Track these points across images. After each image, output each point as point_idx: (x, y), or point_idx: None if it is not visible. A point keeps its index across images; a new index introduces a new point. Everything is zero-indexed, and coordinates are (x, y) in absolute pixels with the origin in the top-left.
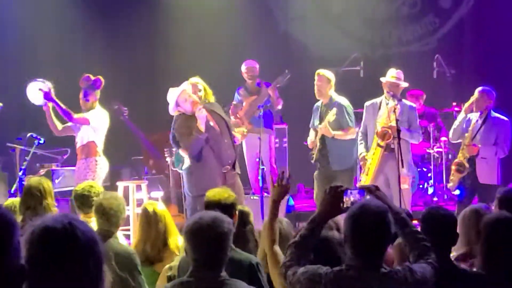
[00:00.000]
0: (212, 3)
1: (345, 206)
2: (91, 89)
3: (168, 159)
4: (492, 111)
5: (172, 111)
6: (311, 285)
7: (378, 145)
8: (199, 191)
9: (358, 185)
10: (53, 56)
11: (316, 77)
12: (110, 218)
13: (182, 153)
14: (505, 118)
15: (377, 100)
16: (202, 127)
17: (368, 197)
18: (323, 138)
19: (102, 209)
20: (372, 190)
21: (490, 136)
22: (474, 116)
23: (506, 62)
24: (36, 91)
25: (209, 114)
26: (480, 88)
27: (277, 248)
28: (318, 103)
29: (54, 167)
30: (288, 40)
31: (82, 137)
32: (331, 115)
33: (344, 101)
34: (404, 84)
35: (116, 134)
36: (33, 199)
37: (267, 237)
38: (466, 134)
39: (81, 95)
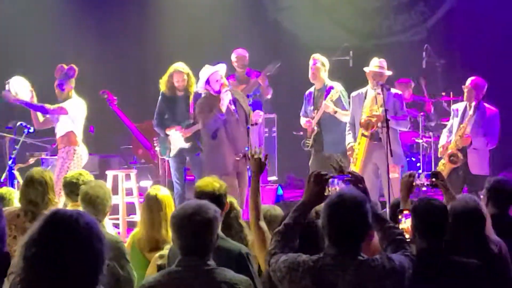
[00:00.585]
0: None
1: (330, 194)
2: (65, 78)
3: (157, 148)
4: (483, 103)
5: (201, 88)
6: (290, 273)
7: (363, 135)
8: (211, 173)
9: (348, 171)
10: (42, 47)
11: (311, 61)
12: (96, 206)
13: (170, 132)
14: (494, 109)
15: (363, 90)
16: (223, 108)
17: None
18: (319, 123)
19: (88, 198)
20: (356, 181)
21: (481, 127)
22: (461, 107)
23: (494, 52)
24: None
25: (232, 100)
26: (472, 78)
27: (262, 224)
28: (311, 89)
29: (43, 156)
30: (278, 30)
31: (60, 127)
32: (335, 93)
33: (338, 85)
34: (388, 73)
35: (105, 123)
36: (35, 193)
37: (251, 212)
38: (461, 125)
39: (55, 85)
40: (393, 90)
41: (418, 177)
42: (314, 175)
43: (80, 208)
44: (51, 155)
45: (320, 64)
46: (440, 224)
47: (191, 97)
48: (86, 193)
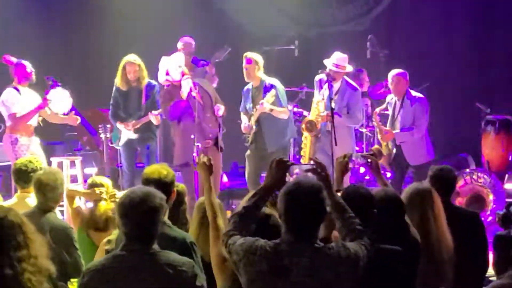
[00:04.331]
0: None
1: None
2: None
3: (102, 135)
4: (410, 91)
5: (161, 78)
6: (246, 256)
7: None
8: (178, 161)
9: (311, 158)
10: None
11: (244, 60)
12: (47, 193)
13: (120, 126)
14: (421, 95)
15: (323, 76)
16: (184, 94)
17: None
18: (257, 121)
19: (39, 184)
20: (317, 170)
21: (408, 118)
22: (393, 99)
23: (438, 43)
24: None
25: (194, 86)
26: (394, 72)
27: (220, 221)
28: (249, 86)
29: None
30: (223, 18)
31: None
32: (270, 97)
33: (275, 82)
34: (348, 70)
35: None
36: None
37: (208, 211)
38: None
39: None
40: (350, 86)
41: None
42: (276, 161)
43: (29, 196)
44: None
45: (252, 64)
46: (364, 212)
47: (143, 89)
48: (38, 179)
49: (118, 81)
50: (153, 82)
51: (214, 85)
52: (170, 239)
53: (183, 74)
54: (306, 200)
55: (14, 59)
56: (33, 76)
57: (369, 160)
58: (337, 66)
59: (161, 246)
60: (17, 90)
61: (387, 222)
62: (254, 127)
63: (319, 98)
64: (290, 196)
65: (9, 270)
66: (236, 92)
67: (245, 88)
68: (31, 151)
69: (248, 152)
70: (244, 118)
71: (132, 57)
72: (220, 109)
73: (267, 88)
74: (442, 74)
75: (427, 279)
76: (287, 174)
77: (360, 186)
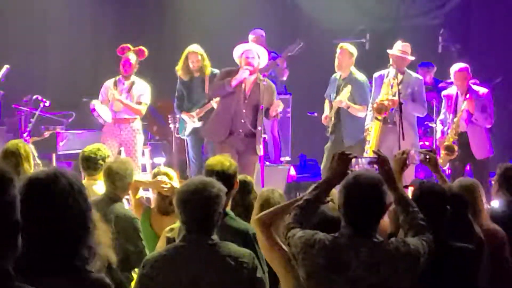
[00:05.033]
0: None
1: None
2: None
3: (171, 125)
4: (472, 86)
5: (236, 56)
6: (305, 249)
7: (376, 118)
8: (205, 133)
9: (374, 151)
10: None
11: (338, 50)
12: (116, 181)
13: (184, 117)
14: (485, 89)
15: (385, 71)
16: (234, 81)
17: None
18: (338, 113)
19: (109, 172)
20: (381, 163)
21: (476, 108)
22: (452, 92)
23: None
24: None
25: (250, 83)
26: (457, 67)
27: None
28: (336, 75)
29: (58, 130)
30: (296, 11)
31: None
32: (346, 93)
33: (362, 77)
34: (411, 58)
35: None
36: (9, 164)
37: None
38: (454, 120)
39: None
40: (413, 74)
41: (357, 163)
42: (338, 154)
43: (96, 184)
44: (66, 129)
45: (347, 56)
46: (439, 209)
47: (206, 78)
48: (109, 167)
49: (179, 70)
50: (215, 70)
51: (284, 78)
52: (232, 229)
53: (247, 64)
54: (365, 193)
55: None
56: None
57: (427, 156)
58: (402, 52)
59: (223, 238)
60: None
61: (455, 220)
62: (332, 118)
63: (387, 81)
64: (349, 189)
65: None
66: (307, 85)
67: (333, 76)
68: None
69: (328, 143)
70: (326, 107)
71: (194, 47)
72: (278, 106)
73: (351, 82)
74: None
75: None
76: (351, 167)
77: (433, 182)
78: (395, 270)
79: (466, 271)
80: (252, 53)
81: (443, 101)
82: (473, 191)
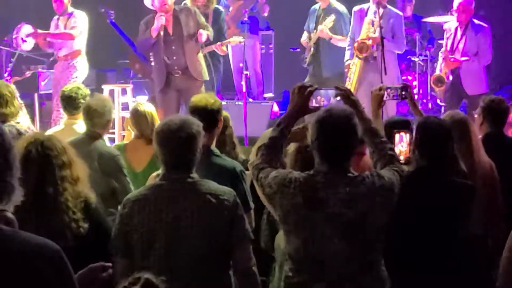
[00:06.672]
0: None
1: (315, 106)
2: None
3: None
4: (473, 20)
5: (147, 2)
6: (281, 189)
7: (357, 56)
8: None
9: (334, 86)
10: None
11: None
12: (94, 118)
13: None
14: (485, 25)
15: (365, 6)
16: (154, 33)
17: (338, 98)
18: (317, 43)
19: (88, 110)
20: (344, 95)
21: (472, 47)
22: (453, 25)
23: None
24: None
25: (169, 20)
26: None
27: None
28: (316, 6)
29: (40, 70)
30: None
31: (68, 43)
32: (329, 22)
33: (341, 8)
34: None
35: (102, 38)
36: None
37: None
38: (442, 50)
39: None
40: (393, 10)
41: (318, 95)
42: (298, 87)
43: (77, 123)
44: (47, 69)
45: None
46: (445, 143)
47: (210, 13)
48: (88, 105)
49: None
50: (220, 8)
51: (265, 13)
52: (218, 167)
53: (162, 5)
54: (339, 125)
55: None
56: None
57: (403, 92)
58: None
59: (209, 176)
60: None
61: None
62: (312, 48)
63: (367, 19)
64: (321, 124)
65: (51, 189)
66: (289, 20)
67: (312, 7)
68: None
69: (307, 78)
70: (305, 35)
71: None
72: (202, 35)
73: (331, 12)
74: None
75: None
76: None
77: (435, 116)
78: (372, 204)
79: (462, 208)
80: None
81: (445, 33)
82: (463, 124)
